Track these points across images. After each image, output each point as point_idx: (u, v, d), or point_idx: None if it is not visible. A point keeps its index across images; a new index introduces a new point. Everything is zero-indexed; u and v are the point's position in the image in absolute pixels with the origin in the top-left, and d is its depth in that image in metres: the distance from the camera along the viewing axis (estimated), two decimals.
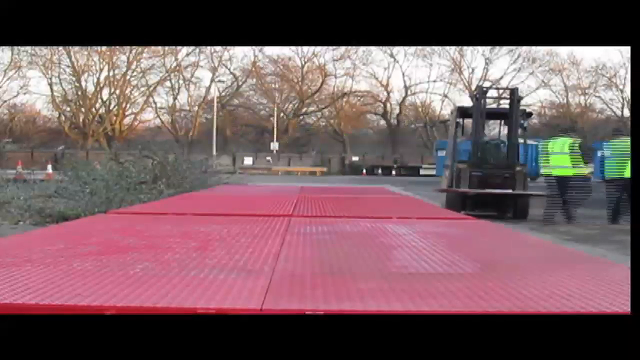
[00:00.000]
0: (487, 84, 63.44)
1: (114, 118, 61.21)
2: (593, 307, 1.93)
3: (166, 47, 60.64)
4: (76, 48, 58.81)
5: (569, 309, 1.91)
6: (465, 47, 61.54)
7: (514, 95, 14.74)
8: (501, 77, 60.23)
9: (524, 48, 59.52)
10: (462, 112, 16.38)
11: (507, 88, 15.73)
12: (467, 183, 13.78)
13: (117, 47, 59.61)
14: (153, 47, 60.71)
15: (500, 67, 61.13)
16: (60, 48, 58.43)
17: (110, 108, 62.15)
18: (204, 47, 60.82)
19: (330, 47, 62.24)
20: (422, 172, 50.11)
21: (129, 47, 59.79)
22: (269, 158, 55.23)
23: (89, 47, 59.31)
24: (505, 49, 61.18)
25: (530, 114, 17.10)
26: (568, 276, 2.65)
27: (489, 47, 61.20)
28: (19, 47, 58.06)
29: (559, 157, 13.00)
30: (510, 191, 13.95)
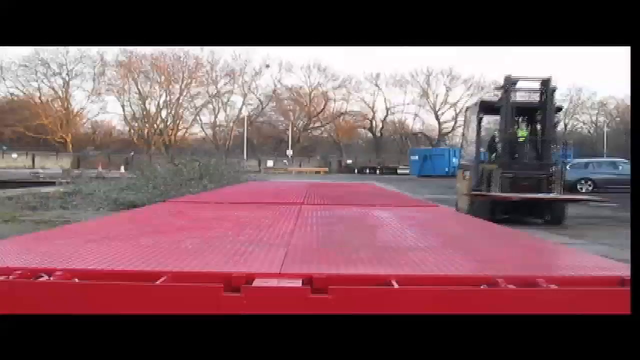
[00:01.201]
0: (446, 107, 63.61)
1: (170, 131, 61.36)
2: (514, 266, 1.91)
3: (209, 79, 60.69)
4: (142, 78, 58.81)
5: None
6: (431, 78, 61.32)
7: (547, 86, 9.66)
8: (458, 100, 60.03)
9: (476, 78, 59.25)
10: (485, 106, 10.89)
11: (537, 78, 9.90)
12: (499, 186, 9.40)
13: (172, 78, 59.59)
14: (199, 79, 60.78)
15: (457, 93, 60.73)
16: (131, 79, 58.50)
17: (167, 124, 62.25)
18: (237, 78, 60.78)
19: (331, 79, 62.15)
20: (399, 171, 50.01)
21: (181, 78, 59.83)
22: (285, 161, 55.45)
23: (152, 78, 59.23)
24: (461, 79, 60.98)
25: (560, 108, 11.01)
26: (505, 246, 2.66)
27: (448, 78, 60.97)
28: (100, 78, 58.02)
29: None
30: (559, 196, 9.49)
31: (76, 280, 1.70)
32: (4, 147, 48.17)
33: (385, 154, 60.70)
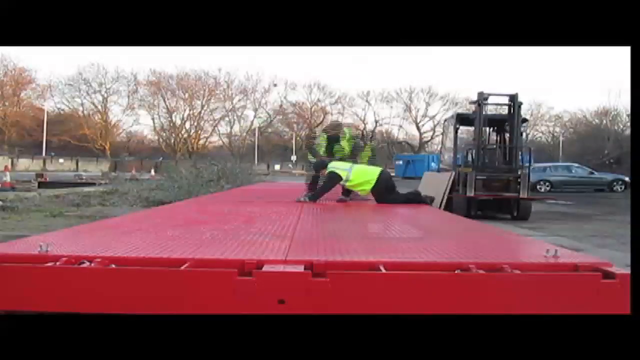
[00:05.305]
0: (426, 119, 63.83)
1: (193, 140, 61.59)
2: (484, 254, 1.90)
3: (226, 95, 60.76)
4: (169, 95, 58.91)
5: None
6: (413, 95, 61.18)
7: (514, 101, 9.55)
8: (436, 114, 60.10)
9: (452, 95, 59.01)
10: (461, 118, 10.79)
11: (505, 94, 9.89)
12: (473, 187, 9.16)
13: (194, 95, 59.64)
14: (217, 96, 60.86)
15: (435, 108, 60.67)
16: (160, 96, 58.61)
17: (190, 134, 62.44)
18: (249, 95, 60.83)
19: (329, 96, 62.24)
20: None
21: (202, 95, 59.96)
22: (290, 165, 55.53)
23: (177, 95, 59.27)
24: (438, 96, 60.92)
25: (525, 120, 11.05)
26: (476, 237, 2.64)
27: (429, 95, 60.86)
28: (134, 95, 58.01)
29: None
30: (520, 195, 9.18)
31: (113, 266, 1.69)
32: (52, 154, 48.22)
33: (374, 159, 61.01)
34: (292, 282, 1.58)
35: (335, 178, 5.34)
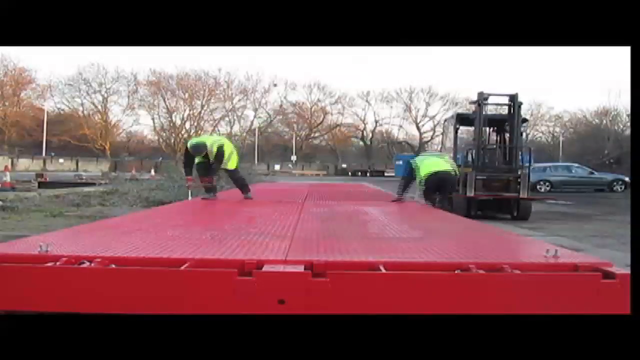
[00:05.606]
0: (426, 119, 63.94)
1: None
2: (484, 254, 1.90)
3: (226, 95, 60.76)
4: (169, 95, 58.92)
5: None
6: (413, 95, 61.08)
7: (514, 101, 9.40)
8: (436, 114, 60.07)
9: (452, 95, 58.86)
10: (461, 118, 10.63)
11: (505, 94, 9.79)
12: (473, 187, 9.04)
13: (194, 95, 59.66)
14: (217, 96, 60.87)
15: (435, 108, 60.57)
16: (160, 96, 58.63)
17: (190, 134, 62.44)
18: (249, 95, 60.85)
19: (329, 96, 62.19)
20: (386, 174, 49.90)
21: (202, 95, 59.98)
22: (290, 165, 55.51)
23: (177, 95, 59.28)
24: (438, 96, 60.84)
25: (525, 120, 10.85)
26: (475, 237, 2.64)
27: (429, 95, 60.76)
28: (134, 95, 58.00)
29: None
30: (520, 195, 9.08)
31: (113, 266, 1.69)
32: (52, 154, 48.25)
33: (374, 159, 60.80)
34: (292, 282, 1.58)
35: (409, 168, 5.43)
